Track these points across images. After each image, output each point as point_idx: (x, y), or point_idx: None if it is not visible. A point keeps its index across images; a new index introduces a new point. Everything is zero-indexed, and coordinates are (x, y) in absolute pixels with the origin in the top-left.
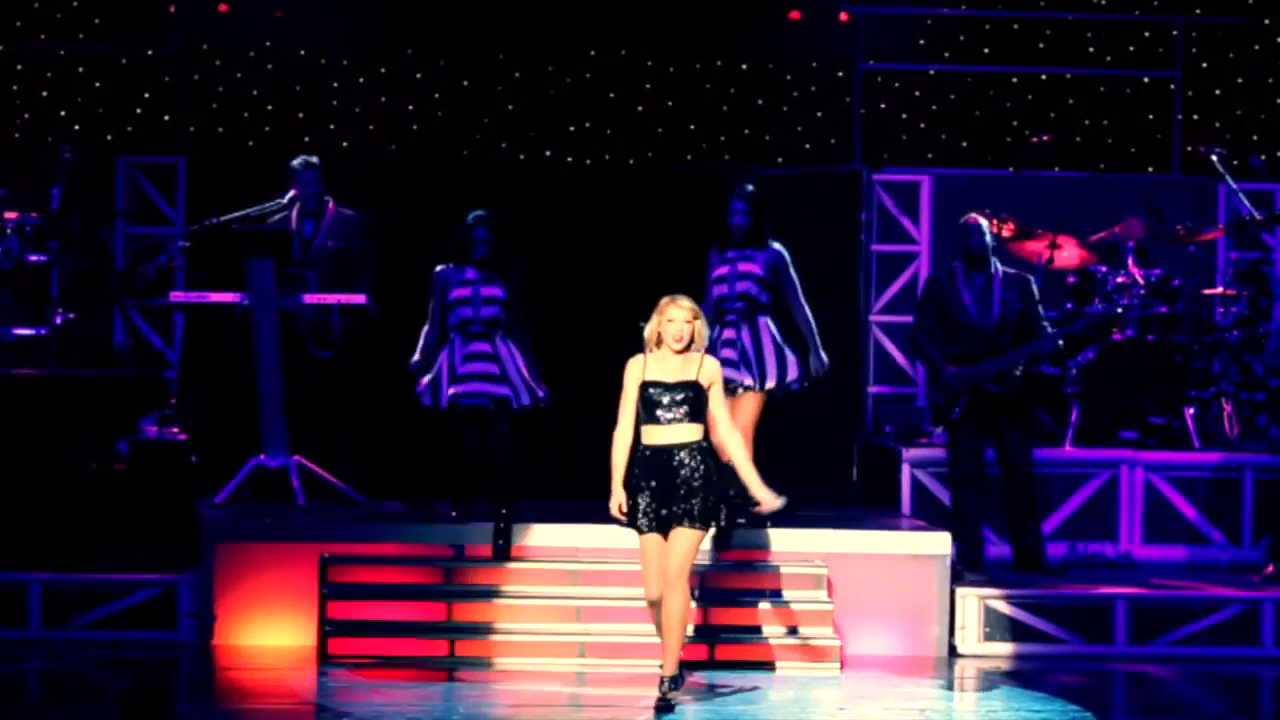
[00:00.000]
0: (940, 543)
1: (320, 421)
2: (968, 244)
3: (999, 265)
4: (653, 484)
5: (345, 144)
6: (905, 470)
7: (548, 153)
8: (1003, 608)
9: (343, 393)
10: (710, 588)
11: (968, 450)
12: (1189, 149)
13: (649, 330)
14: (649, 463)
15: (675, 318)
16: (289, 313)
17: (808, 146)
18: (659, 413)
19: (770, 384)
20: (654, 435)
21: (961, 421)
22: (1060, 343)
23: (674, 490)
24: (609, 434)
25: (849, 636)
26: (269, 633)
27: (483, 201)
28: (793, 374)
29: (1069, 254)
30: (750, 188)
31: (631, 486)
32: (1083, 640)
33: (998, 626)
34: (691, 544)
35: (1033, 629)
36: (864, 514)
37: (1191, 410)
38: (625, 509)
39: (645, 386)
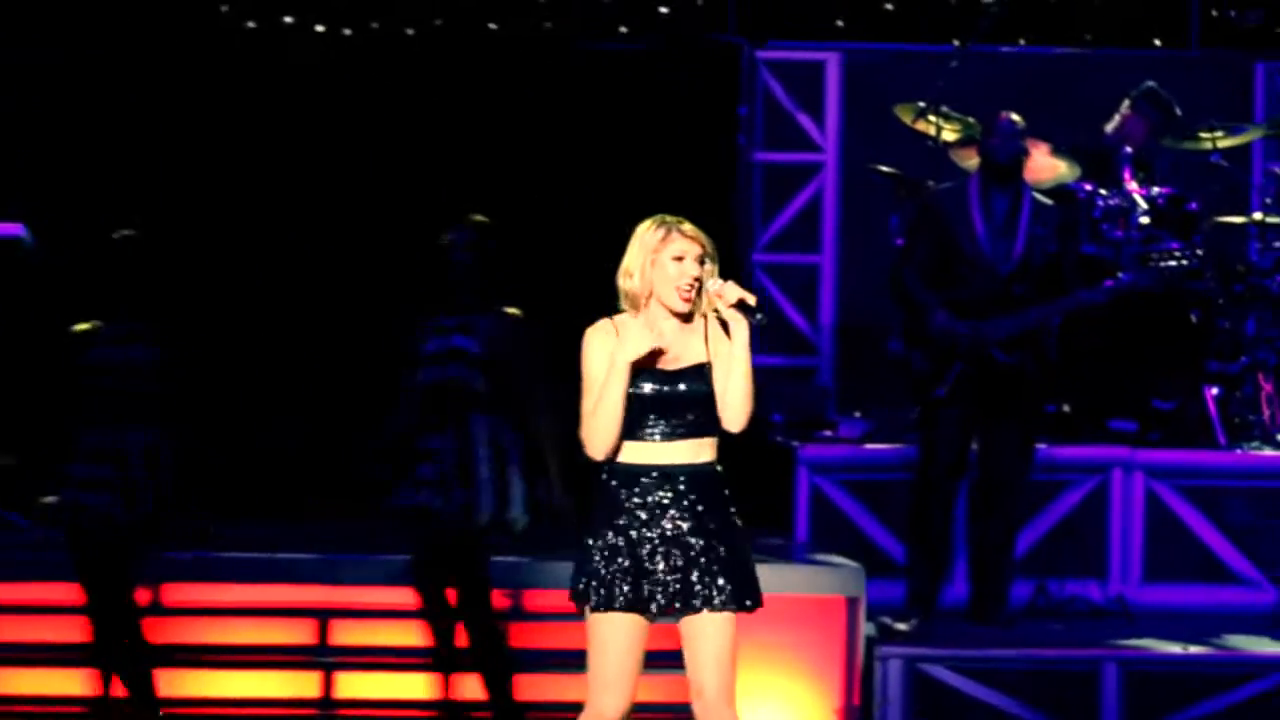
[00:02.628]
0: (850, 578)
1: None
2: (993, 150)
3: (1031, 189)
4: (634, 534)
5: None
6: (802, 476)
7: (288, 19)
8: (944, 675)
9: None
10: (510, 648)
11: (949, 442)
12: (1213, 12)
13: (633, 281)
14: (638, 488)
15: (685, 254)
16: None
17: (664, 10)
18: (648, 423)
19: (482, 517)
20: (638, 455)
21: (949, 401)
22: (1107, 299)
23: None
24: None
25: None
26: None
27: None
28: (514, 509)
29: (1039, 165)
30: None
31: (595, 530)
32: None
33: (935, 702)
34: (731, 636)
35: (985, 706)
36: None
37: (1214, 390)
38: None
39: (649, 375)
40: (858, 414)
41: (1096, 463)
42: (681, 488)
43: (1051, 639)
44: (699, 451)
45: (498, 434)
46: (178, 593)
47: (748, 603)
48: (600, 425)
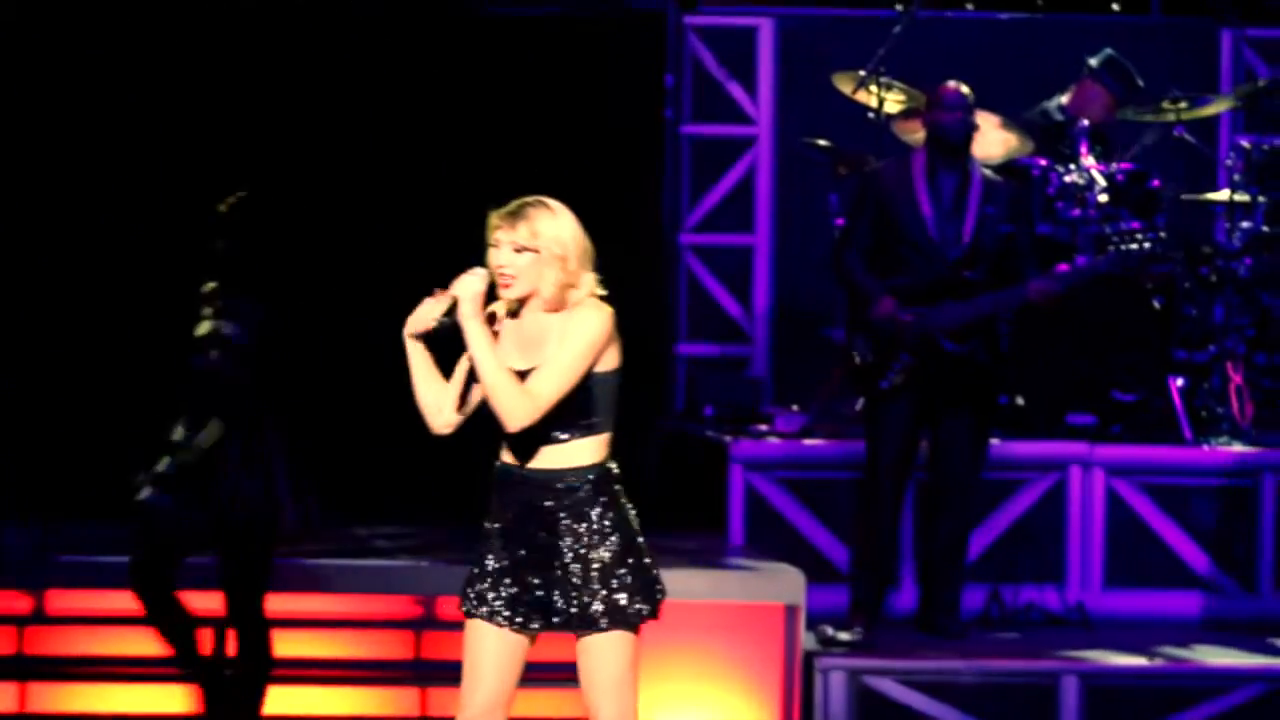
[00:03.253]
0: (789, 584)
1: None
2: (940, 125)
3: (980, 165)
4: (502, 540)
5: None
6: (735, 474)
7: None
8: (890, 689)
9: None
10: (424, 660)
11: (895, 437)
12: None
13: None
14: (511, 498)
15: (498, 241)
16: None
17: None
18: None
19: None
20: (506, 454)
21: (895, 394)
22: (1064, 287)
23: (556, 560)
24: None
25: None
26: None
27: None
28: (274, 509)
29: (990, 140)
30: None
31: (482, 529)
32: None
33: (881, 718)
34: (621, 657)
35: None
36: (668, 541)
37: (1180, 381)
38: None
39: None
40: (795, 407)
41: (1053, 460)
42: (545, 494)
43: (1006, 650)
44: (565, 454)
45: (258, 428)
46: (63, 600)
47: (621, 622)
48: (420, 406)
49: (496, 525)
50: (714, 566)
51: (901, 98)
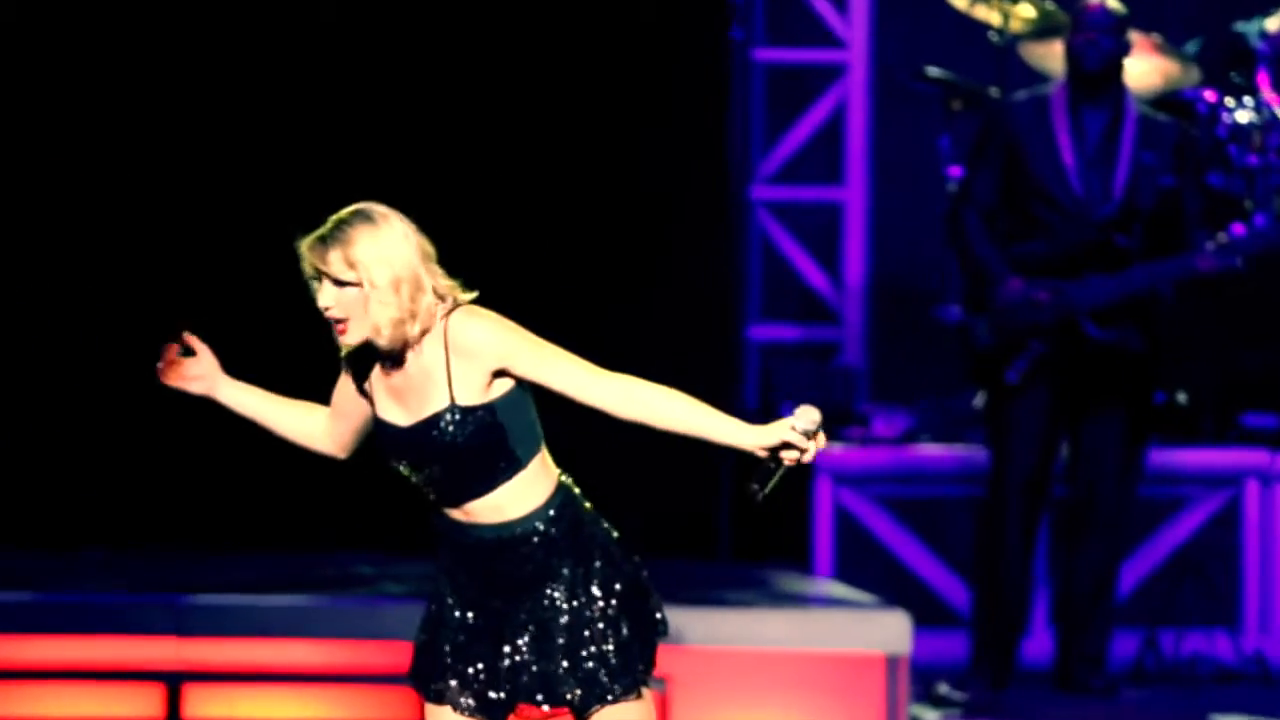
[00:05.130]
0: (890, 628)
1: None
2: (1081, 49)
3: (1137, 102)
4: (478, 615)
5: None
6: (822, 489)
7: None
8: None
9: None
10: None
11: (1026, 444)
12: None
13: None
14: (456, 553)
15: (317, 273)
16: None
17: None
18: (422, 480)
19: None
20: (440, 513)
21: (1025, 389)
22: (1240, 257)
23: (521, 628)
24: None
25: None
26: None
27: None
28: None
29: (1143, 69)
30: None
31: (435, 591)
32: None
33: None
34: None
35: None
36: (740, 573)
37: None
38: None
39: (378, 426)
40: (899, 405)
41: (1225, 472)
42: (494, 554)
43: (1164, 712)
44: (500, 506)
45: None
46: None
47: (621, 692)
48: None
49: (444, 589)
50: (795, 606)
51: (1033, 12)
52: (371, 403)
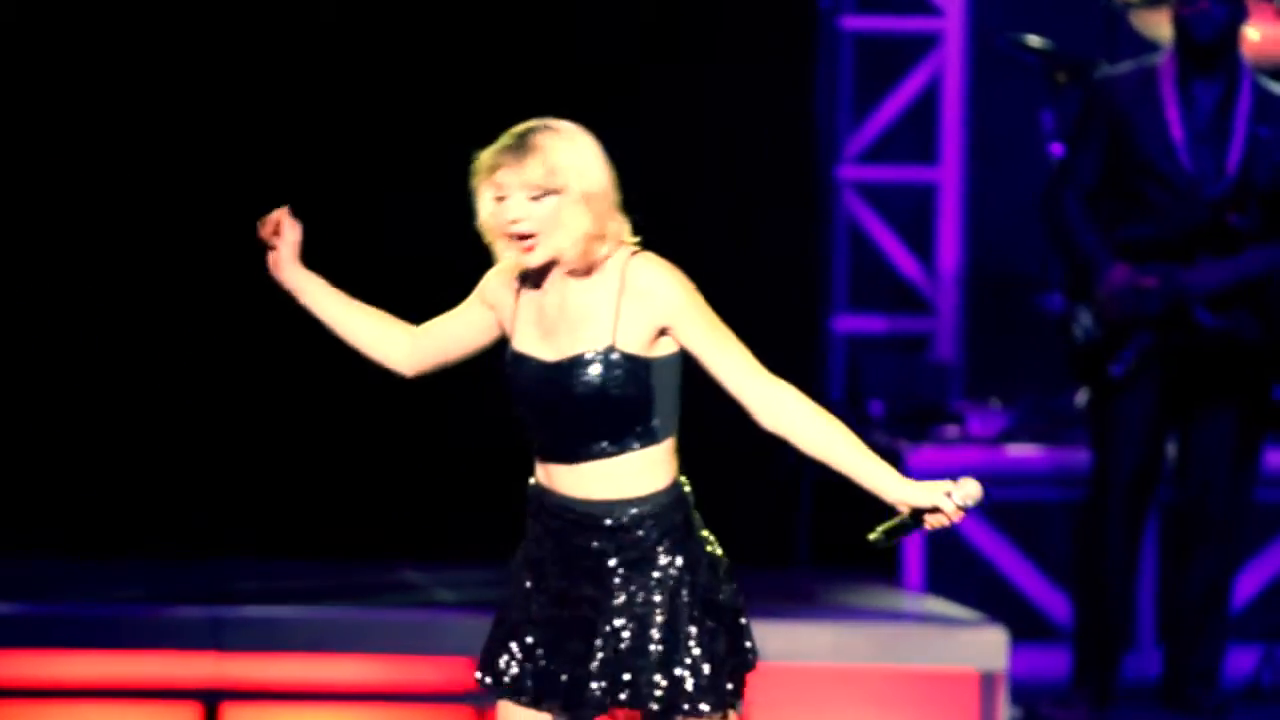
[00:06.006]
0: (986, 644)
1: None
2: (1192, 19)
3: (1255, 73)
4: (561, 606)
5: None
6: None
7: None
8: None
9: None
10: None
11: (1132, 443)
12: None
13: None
14: (547, 531)
15: (506, 187)
16: None
17: None
18: (544, 430)
19: None
20: (540, 474)
21: (1131, 383)
22: None
23: (606, 623)
24: None
25: None
26: None
27: None
28: None
29: (1263, 36)
30: None
31: (517, 566)
32: None
33: None
34: None
35: None
36: (824, 583)
37: None
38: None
39: (513, 359)
40: (995, 401)
41: None
42: (591, 534)
43: None
44: (616, 477)
45: None
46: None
47: (693, 708)
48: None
49: (527, 569)
50: (884, 620)
51: None
52: (509, 335)
